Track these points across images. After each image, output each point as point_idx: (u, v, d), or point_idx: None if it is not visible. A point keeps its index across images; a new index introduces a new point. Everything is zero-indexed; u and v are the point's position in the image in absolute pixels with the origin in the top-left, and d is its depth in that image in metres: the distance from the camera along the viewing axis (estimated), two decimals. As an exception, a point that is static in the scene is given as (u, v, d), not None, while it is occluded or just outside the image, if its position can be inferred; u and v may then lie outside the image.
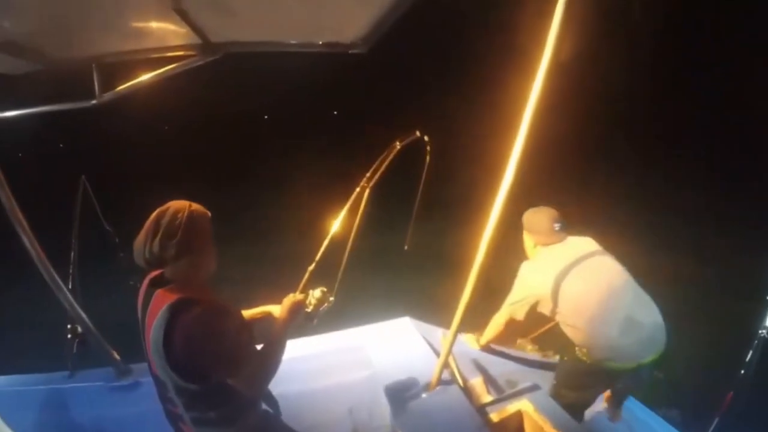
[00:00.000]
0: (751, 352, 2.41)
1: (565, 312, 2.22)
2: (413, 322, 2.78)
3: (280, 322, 1.61)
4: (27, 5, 1.66)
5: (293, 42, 1.88)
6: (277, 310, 1.77)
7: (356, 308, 2.67)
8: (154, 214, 1.40)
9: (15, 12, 1.70)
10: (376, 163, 2.09)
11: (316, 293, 1.79)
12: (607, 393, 2.60)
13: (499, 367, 2.65)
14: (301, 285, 1.86)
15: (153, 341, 1.33)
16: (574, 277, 2.20)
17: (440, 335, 2.77)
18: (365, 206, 2.02)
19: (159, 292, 1.39)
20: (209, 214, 1.47)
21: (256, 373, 1.41)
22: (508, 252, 2.23)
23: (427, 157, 2.16)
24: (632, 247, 2.84)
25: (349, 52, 1.87)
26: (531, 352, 2.87)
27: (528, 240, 2.47)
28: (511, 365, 2.69)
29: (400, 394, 2.21)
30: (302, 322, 1.70)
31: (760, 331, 2.47)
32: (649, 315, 2.18)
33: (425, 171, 2.18)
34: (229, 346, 1.37)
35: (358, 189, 2.06)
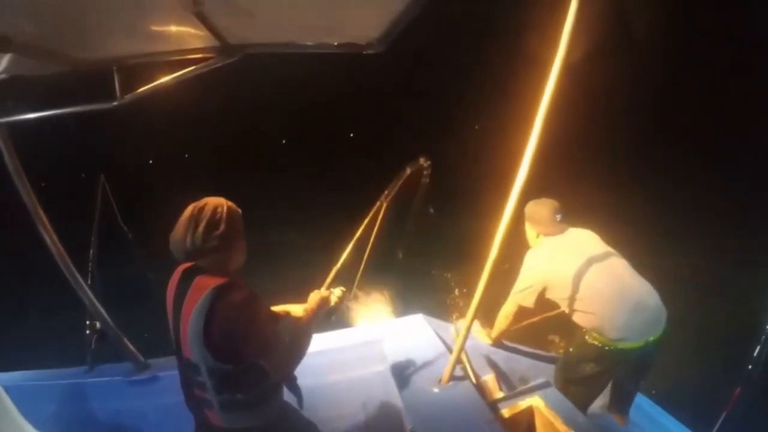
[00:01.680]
0: (758, 347, 2.45)
1: (575, 297, 2.31)
2: (427, 319, 2.82)
3: (308, 312, 1.74)
4: (48, 7, 1.71)
5: (309, 43, 1.92)
6: (297, 309, 1.89)
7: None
8: (191, 208, 1.49)
9: (36, 14, 1.75)
10: (390, 185, 2.40)
11: (337, 292, 1.93)
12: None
13: (511, 363, 2.68)
14: (326, 283, 2.06)
15: (193, 322, 1.40)
16: (582, 264, 2.31)
17: (452, 331, 2.81)
18: (382, 218, 2.32)
19: (198, 278, 1.47)
20: (240, 211, 1.57)
21: (286, 356, 1.50)
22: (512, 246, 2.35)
23: (426, 180, 2.56)
24: (636, 245, 2.90)
25: (365, 52, 1.90)
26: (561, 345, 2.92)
27: (530, 230, 2.58)
28: (524, 362, 2.72)
29: (404, 371, 2.33)
30: (323, 317, 1.82)
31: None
32: (652, 297, 2.31)
33: (422, 191, 2.58)
34: (267, 329, 1.47)
35: (377, 203, 2.34)
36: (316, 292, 1.79)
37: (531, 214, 2.53)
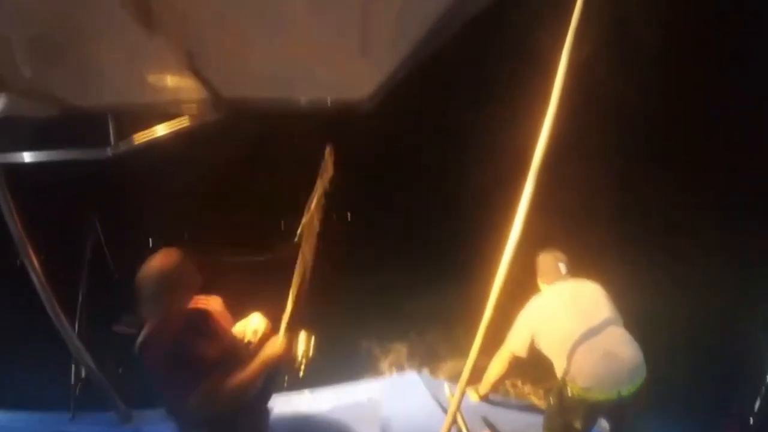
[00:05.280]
0: (759, 400, 2.39)
1: (554, 342, 2.34)
2: (421, 377, 2.74)
3: (259, 361, 1.68)
4: (47, 53, 1.72)
5: (303, 99, 1.91)
6: (260, 323, 1.92)
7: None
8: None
9: (35, 58, 1.76)
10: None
11: (301, 341, 1.82)
12: None
13: (509, 424, 2.57)
14: (283, 323, 1.79)
15: None
16: (567, 313, 2.36)
17: (446, 390, 2.71)
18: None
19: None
20: (187, 262, 1.79)
21: (216, 395, 1.58)
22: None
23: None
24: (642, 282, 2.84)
25: (358, 109, 1.89)
26: None
27: (539, 281, 2.63)
28: (522, 421, 2.61)
29: None
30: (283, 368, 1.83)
31: None
32: (628, 350, 2.29)
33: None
34: (179, 378, 1.60)
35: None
36: (273, 339, 1.73)
37: (537, 264, 2.61)
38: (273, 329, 1.86)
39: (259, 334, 1.88)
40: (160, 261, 1.77)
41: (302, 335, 1.81)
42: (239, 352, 1.79)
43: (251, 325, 1.92)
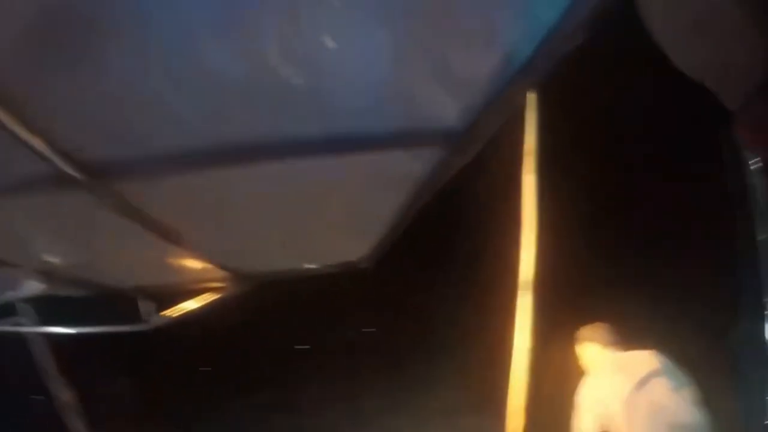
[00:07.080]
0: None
1: (619, 424, 2.28)
2: None
3: None
4: (76, 244, 1.98)
5: (308, 266, 2.21)
6: None
7: None
8: None
9: (66, 251, 2.02)
10: None
11: None
12: None
13: None
14: None
15: None
16: (621, 387, 2.30)
17: None
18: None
19: None
20: None
21: None
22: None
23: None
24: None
25: (358, 267, 2.19)
26: None
27: (585, 354, 2.57)
28: None
29: None
30: None
31: None
32: (693, 417, 2.25)
33: None
34: None
35: None
36: None
37: (586, 337, 2.58)
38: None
39: None
40: None
41: None
42: None
43: None
